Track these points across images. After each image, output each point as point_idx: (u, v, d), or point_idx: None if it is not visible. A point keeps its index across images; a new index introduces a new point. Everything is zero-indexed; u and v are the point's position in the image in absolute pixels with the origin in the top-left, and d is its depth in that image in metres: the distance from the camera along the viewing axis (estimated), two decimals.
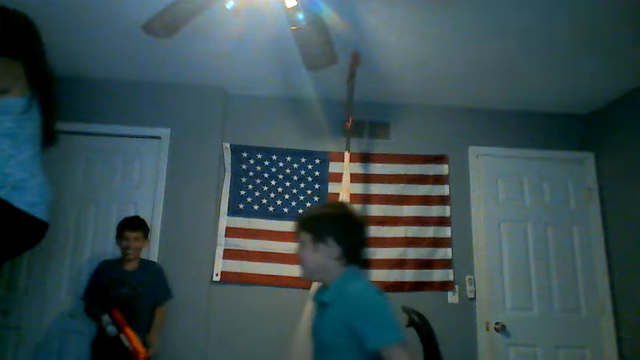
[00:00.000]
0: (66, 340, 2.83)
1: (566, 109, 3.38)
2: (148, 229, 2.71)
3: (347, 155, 2.85)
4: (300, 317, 2.98)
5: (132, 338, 2.28)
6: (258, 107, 3.35)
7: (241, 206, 3.17)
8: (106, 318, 2.33)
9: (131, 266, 2.59)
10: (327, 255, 1.43)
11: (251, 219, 3.14)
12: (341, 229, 1.44)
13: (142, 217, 2.72)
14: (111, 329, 2.30)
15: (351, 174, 2.95)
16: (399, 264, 3.10)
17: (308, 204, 3.19)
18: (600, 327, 3.08)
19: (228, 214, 3.13)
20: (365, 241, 1.52)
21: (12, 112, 1.53)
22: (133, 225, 2.60)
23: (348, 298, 1.35)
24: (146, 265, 2.68)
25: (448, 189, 3.26)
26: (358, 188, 3.19)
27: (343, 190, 2.76)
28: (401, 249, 3.12)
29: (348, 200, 2.74)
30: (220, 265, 3.04)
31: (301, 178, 3.24)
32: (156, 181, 3.09)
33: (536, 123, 3.41)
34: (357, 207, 2.79)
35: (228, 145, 3.24)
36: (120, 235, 2.59)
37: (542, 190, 3.30)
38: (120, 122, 3.15)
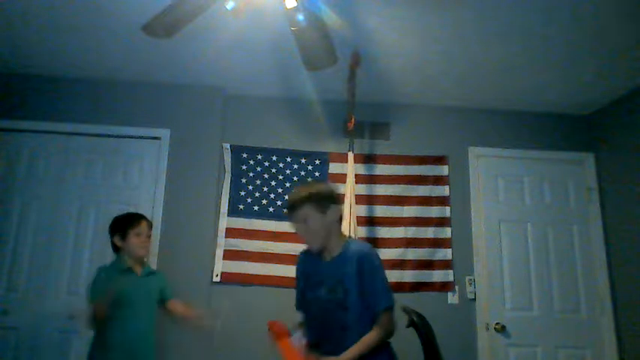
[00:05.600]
0: (65, 340, 2.82)
1: (566, 109, 3.39)
2: None
3: (351, 156, 2.85)
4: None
5: None
6: (258, 108, 3.35)
7: (241, 207, 3.16)
8: None
9: None
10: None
11: (251, 220, 3.14)
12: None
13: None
14: None
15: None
16: (399, 264, 3.10)
17: None
18: (600, 327, 3.08)
19: (228, 215, 3.13)
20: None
21: None
22: None
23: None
24: None
25: (448, 190, 3.26)
26: (359, 189, 3.17)
27: (348, 191, 2.75)
28: (401, 249, 3.12)
29: (354, 201, 2.73)
30: (220, 265, 3.04)
31: (301, 179, 3.23)
32: (156, 181, 3.09)
33: (537, 123, 3.41)
34: (358, 208, 2.78)
35: (228, 146, 3.24)
36: None
37: (543, 191, 3.30)
38: (120, 123, 3.15)
